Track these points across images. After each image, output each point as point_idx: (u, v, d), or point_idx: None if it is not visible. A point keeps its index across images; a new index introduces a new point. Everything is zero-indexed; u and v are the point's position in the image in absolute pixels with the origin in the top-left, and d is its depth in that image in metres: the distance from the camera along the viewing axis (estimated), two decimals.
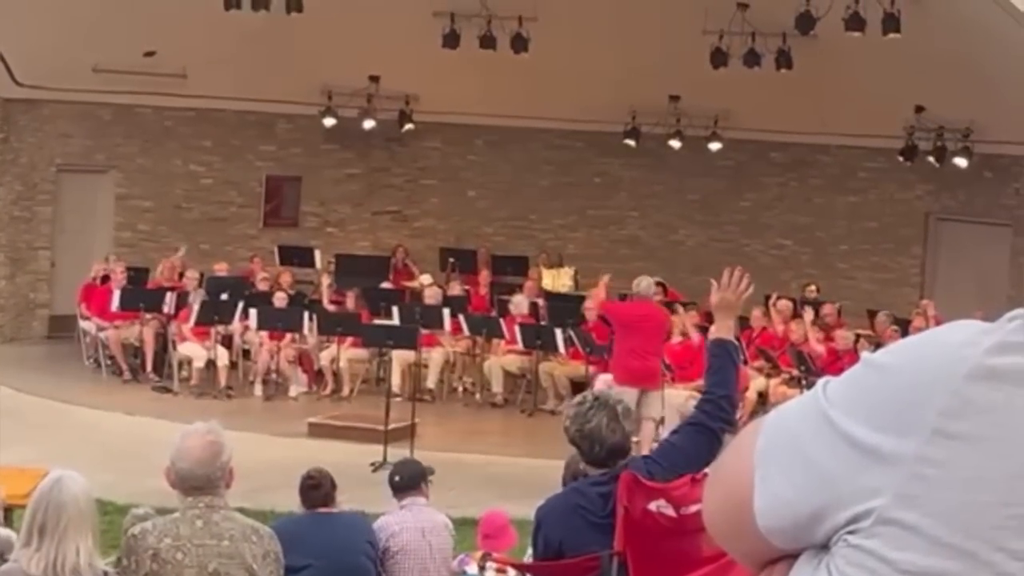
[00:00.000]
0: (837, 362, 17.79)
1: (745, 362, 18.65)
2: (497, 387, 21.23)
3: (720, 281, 7.12)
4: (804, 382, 17.79)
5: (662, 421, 17.36)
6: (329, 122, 24.97)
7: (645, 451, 14.24)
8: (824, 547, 1.79)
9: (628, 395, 16.65)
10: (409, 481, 10.72)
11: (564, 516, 7.48)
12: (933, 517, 1.70)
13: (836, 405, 1.79)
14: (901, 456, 1.72)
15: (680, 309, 20.50)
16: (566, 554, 7.33)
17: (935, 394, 1.72)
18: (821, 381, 1.84)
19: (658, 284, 22.46)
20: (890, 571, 1.71)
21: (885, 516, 1.73)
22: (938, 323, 18.18)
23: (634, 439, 8.30)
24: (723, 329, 7.39)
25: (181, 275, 22.30)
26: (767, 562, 1.87)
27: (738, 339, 8.48)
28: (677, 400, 17.89)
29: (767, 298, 20.42)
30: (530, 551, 9.14)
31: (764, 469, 1.82)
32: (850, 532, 1.74)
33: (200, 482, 6.55)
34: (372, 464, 16.10)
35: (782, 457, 1.81)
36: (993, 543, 1.68)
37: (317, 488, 10.00)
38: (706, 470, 8.06)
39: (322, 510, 9.98)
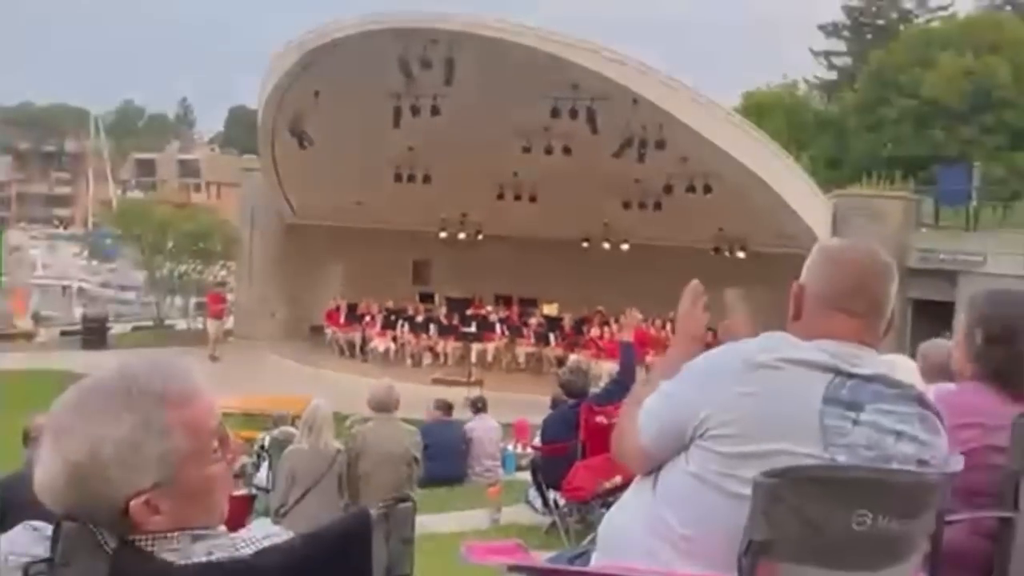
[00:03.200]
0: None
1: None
2: (522, 361, 21.14)
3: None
4: None
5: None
6: (443, 235, 24.89)
7: None
8: (682, 450, 1.79)
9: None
10: (482, 406, 10.72)
11: (556, 422, 7.46)
12: (734, 429, 1.71)
13: (677, 385, 1.81)
14: (715, 402, 1.73)
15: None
16: (557, 441, 7.31)
17: (733, 374, 1.74)
18: (662, 385, 1.85)
19: (598, 311, 22.37)
20: (713, 454, 1.72)
21: (711, 432, 1.73)
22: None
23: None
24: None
25: (373, 306, 22.31)
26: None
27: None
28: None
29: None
30: (536, 439, 9.13)
31: (644, 426, 1.85)
32: (697, 437, 1.75)
33: (383, 406, 6.56)
34: (465, 398, 16.04)
35: (654, 417, 1.85)
36: (762, 437, 1.70)
37: (447, 409, 9.96)
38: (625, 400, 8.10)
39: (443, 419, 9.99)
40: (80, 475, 1.29)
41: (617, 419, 2.02)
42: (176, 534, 1.32)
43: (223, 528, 1.37)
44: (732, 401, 1.73)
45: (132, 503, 1.29)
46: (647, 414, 1.86)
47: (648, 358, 17.39)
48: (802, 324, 1.89)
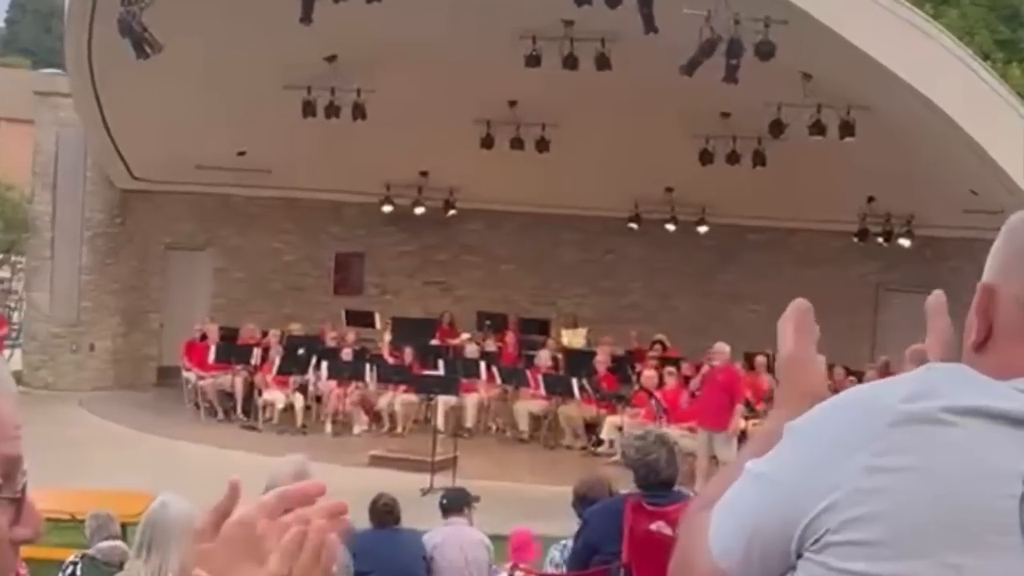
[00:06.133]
0: None
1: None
2: (523, 426, 21.21)
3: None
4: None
5: None
6: (387, 208, 25.14)
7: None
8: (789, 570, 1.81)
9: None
10: (454, 504, 10.72)
11: (611, 516, 7.47)
12: (873, 532, 1.72)
13: (774, 463, 1.83)
14: (838, 488, 1.74)
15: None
16: (603, 549, 7.34)
17: (867, 439, 1.74)
18: (749, 465, 1.87)
19: (657, 342, 22.52)
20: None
21: (832, 538, 1.74)
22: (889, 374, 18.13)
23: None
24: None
25: (264, 334, 22.39)
26: None
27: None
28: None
29: (747, 355, 20.36)
30: (552, 555, 9.11)
31: (722, 530, 1.86)
32: (810, 548, 1.76)
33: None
34: (421, 489, 16.07)
35: (736, 519, 1.85)
36: (919, 549, 1.70)
37: (391, 513, 9.99)
38: (693, 494, 8.10)
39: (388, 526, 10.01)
40: None
41: (680, 529, 2.03)
42: None
43: None
44: (868, 482, 1.73)
45: None
46: (726, 514, 1.86)
47: (738, 424, 17.42)
48: (993, 352, 1.89)
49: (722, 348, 17.68)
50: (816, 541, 1.76)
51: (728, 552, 1.85)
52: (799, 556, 1.79)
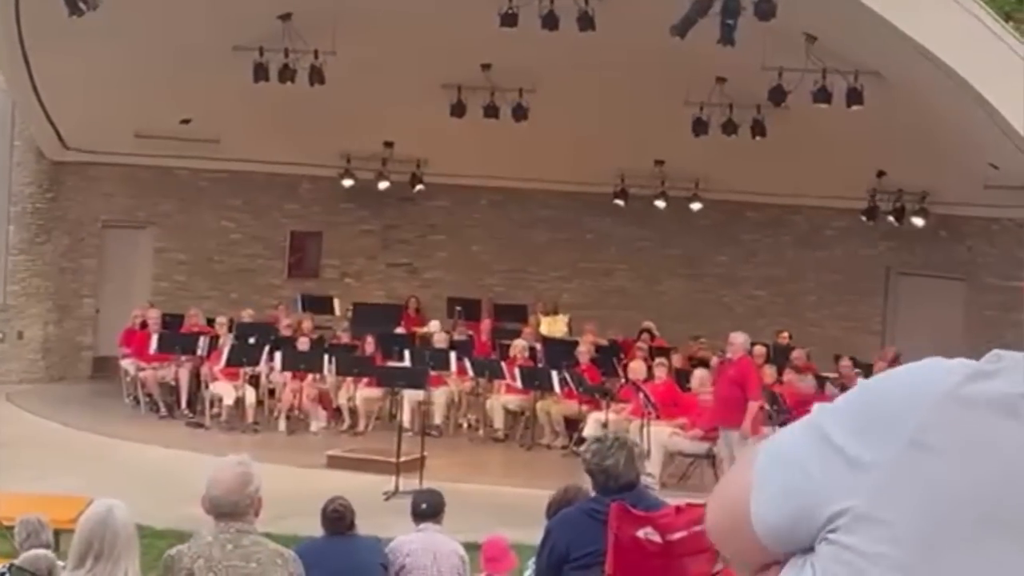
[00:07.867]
0: (803, 403, 17.66)
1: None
2: (498, 423, 21.20)
3: None
4: (773, 417, 17.73)
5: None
6: (347, 183, 25.08)
7: None
8: (810, 549, 1.81)
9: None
10: (433, 509, 10.72)
11: (575, 522, 7.52)
12: (905, 515, 1.73)
13: (828, 420, 1.83)
14: (878, 461, 1.75)
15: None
16: (571, 557, 7.36)
17: (916, 411, 1.75)
18: (817, 405, 1.88)
19: (645, 331, 22.53)
20: (865, 563, 1.73)
21: (861, 514, 1.75)
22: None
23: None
24: None
25: (211, 321, 22.31)
26: (761, 566, 1.89)
27: None
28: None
29: None
30: (530, 566, 9.14)
31: (760, 480, 1.85)
32: (831, 531, 1.77)
33: (229, 508, 6.53)
34: (385, 493, 16.07)
35: (775, 468, 1.84)
36: (956, 542, 1.71)
37: (341, 520, 9.98)
38: (688, 501, 8.10)
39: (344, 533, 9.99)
40: None
41: (715, 497, 2.02)
42: None
43: None
44: (909, 457, 1.74)
45: None
46: (775, 464, 1.86)
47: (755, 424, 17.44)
48: None
49: (737, 338, 17.65)
50: (842, 515, 1.77)
51: (770, 516, 1.85)
52: (819, 536, 1.79)
